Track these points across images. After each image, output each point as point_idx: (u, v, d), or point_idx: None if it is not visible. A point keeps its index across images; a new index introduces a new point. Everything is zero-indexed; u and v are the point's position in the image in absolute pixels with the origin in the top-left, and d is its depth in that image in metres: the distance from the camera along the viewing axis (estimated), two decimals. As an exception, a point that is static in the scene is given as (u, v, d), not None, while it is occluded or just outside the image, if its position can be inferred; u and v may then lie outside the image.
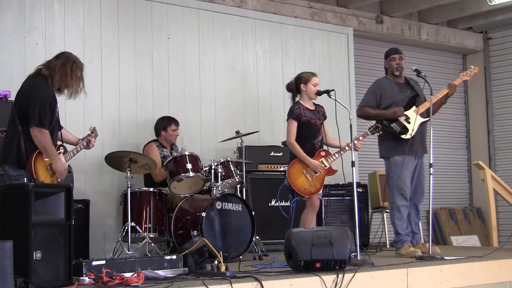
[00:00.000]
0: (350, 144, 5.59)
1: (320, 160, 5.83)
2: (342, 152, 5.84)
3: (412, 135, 5.98)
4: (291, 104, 6.03)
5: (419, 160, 6.13)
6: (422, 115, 6.08)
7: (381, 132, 5.96)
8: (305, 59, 8.56)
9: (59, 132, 5.04)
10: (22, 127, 4.71)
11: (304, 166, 5.79)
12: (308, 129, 5.88)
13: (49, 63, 4.87)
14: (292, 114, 5.87)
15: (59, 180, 4.84)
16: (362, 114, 6.31)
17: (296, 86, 6.01)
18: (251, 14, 8.17)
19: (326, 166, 5.81)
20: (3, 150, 4.86)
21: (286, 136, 5.92)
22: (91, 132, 5.42)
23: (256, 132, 6.93)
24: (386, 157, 6.18)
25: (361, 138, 5.81)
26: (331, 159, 5.84)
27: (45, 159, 4.75)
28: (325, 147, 6.03)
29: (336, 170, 5.87)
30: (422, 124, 6.09)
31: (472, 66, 6.36)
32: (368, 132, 5.96)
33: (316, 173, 5.78)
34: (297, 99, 6.03)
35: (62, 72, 4.81)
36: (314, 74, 5.99)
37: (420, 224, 6.41)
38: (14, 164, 4.69)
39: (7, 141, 4.82)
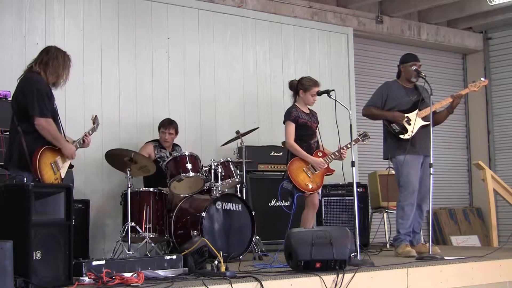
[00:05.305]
0: (345, 147, 5.87)
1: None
2: (337, 154, 5.95)
3: (411, 136, 6.06)
4: (291, 102, 6.16)
5: (424, 161, 6.15)
6: (425, 119, 6.10)
7: (370, 139, 6.15)
8: (305, 59, 8.56)
9: (60, 126, 4.98)
10: (21, 127, 4.69)
11: (304, 164, 5.90)
12: (305, 130, 6.01)
13: (40, 59, 4.86)
14: (290, 116, 5.98)
15: (70, 158, 4.88)
16: (367, 113, 6.41)
17: (296, 89, 6.09)
18: (251, 14, 8.17)
19: (325, 165, 5.93)
20: (6, 153, 4.84)
21: (285, 138, 6.02)
22: (93, 122, 5.40)
23: (256, 128, 6.92)
24: (390, 157, 6.25)
25: (353, 143, 5.82)
26: (329, 159, 5.97)
27: (48, 156, 4.70)
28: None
29: (334, 170, 6.04)
30: (425, 127, 6.10)
31: (482, 79, 6.42)
32: (359, 138, 6.12)
33: (316, 170, 5.88)
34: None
35: (56, 64, 4.83)
36: (316, 84, 6.05)
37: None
38: (16, 166, 4.66)
39: (10, 143, 4.82)
